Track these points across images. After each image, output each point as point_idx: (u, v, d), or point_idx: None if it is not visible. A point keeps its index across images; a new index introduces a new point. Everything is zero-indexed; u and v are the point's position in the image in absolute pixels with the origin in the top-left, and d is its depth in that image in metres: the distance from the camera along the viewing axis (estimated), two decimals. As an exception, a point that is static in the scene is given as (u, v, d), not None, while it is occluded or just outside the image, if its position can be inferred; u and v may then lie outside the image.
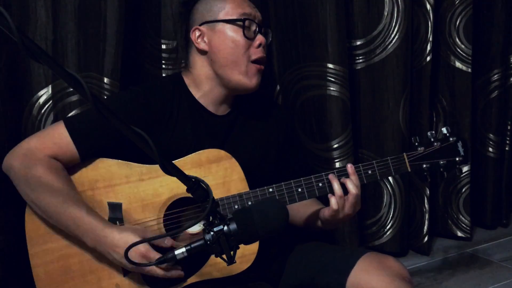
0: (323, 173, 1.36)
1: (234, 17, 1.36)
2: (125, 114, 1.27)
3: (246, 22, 1.36)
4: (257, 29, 1.38)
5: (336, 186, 1.32)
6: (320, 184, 1.35)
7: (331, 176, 1.34)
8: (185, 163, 1.30)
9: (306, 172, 1.40)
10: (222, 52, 1.37)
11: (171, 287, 1.26)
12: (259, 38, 1.38)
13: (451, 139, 1.42)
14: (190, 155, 1.31)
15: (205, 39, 1.38)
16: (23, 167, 1.23)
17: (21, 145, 1.27)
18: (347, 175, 1.35)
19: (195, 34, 1.39)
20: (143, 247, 1.17)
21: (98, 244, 1.19)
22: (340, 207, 1.32)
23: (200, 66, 1.41)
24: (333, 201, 1.31)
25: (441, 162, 1.41)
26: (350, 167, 1.35)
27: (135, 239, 1.16)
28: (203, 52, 1.40)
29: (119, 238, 1.17)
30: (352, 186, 1.32)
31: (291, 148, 1.56)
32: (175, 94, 1.38)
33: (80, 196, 1.25)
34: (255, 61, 1.37)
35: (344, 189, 1.33)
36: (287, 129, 1.56)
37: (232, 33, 1.36)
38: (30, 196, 1.23)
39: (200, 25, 1.39)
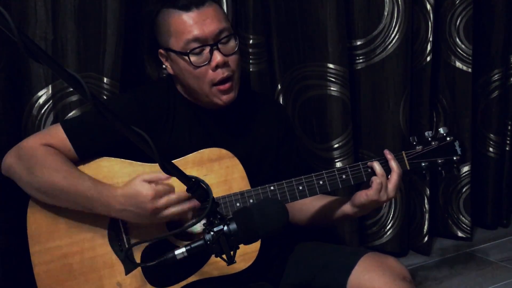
0: (323, 171, 1.36)
1: (179, 49, 1.29)
2: (124, 115, 1.27)
3: (192, 51, 1.28)
4: (211, 50, 1.28)
5: (377, 166, 1.34)
6: (321, 182, 1.35)
7: (371, 161, 1.36)
8: (186, 162, 1.30)
9: (305, 171, 1.40)
10: (184, 81, 1.35)
11: (172, 284, 1.27)
12: (215, 59, 1.28)
13: (448, 138, 1.44)
14: (191, 154, 1.32)
15: (168, 63, 1.36)
16: (22, 163, 1.24)
17: (18, 145, 1.29)
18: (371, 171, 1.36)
19: (162, 57, 1.37)
20: (150, 190, 1.17)
21: (110, 208, 1.20)
22: (383, 187, 1.32)
23: (177, 81, 1.40)
24: (377, 180, 1.32)
25: (439, 161, 1.42)
26: (388, 152, 1.37)
27: (141, 184, 1.18)
28: (174, 76, 1.38)
29: (124, 206, 1.19)
30: (395, 164, 1.34)
31: (292, 147, 1.56)
32: (170, 95, 1.39)
33: (81, 171, 1.25)
34: (217, 83, 1.31)
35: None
36: (287, 127, 1.56)
37: (183, 65, 1.31)
38: (33, 184, 1.23)
39: (162, 48, 1.36)
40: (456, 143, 1.44)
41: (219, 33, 1.30)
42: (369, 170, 1.37)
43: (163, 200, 1.18)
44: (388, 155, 1.37)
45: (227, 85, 1.32)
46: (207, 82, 1.31)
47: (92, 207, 1.22)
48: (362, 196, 1.34)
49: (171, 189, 1.20)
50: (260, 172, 1.42)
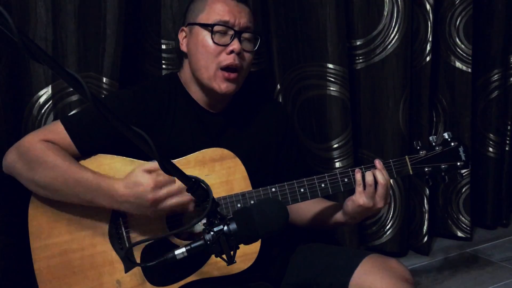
0: (325, 174, 1.36)
1: (208, 22, 1.34)
2: (122, 114, 1.28)
3: (217, 27, 1.33)
4: (234, 35, 1.34)
5: (359, 177, 1.33)
6: (323, 185, 1.35)
7: (356, 170, 1.35)
8: (188, 162, 1.30)
9: (305, 172, 1.40)
10: (194, 56, 1.37)
11: (171, 284, 1.27)
12: (233, 44, 1.33)
13: (452, 144, 1.43)
14: (193, 153, 1.32)
15: (186, 40, 1.40)
16: (22, 159, 1.25)
17: (18, 142, 1.29)
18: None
19: (181, 35, 1.41)
20: (150, 180, 1.17)
21: (111, 199, 1.21)
22: (369, 196, 1.32)
23: (186, 67, 1.42)
24: (358, 189, 1.32)
25: (443, 166, 1.42)
26: (378, 163, 1.36)
27: (141, 174, 1.18)
28: (185, 54, 1.41)
29: (127, 197, 1.19)
30: (381, 176, 1.33)
31: (292, 147, 1.56)
32: (171, 93, 1.39)
33: (81, 165, 1.25)
34: (225, 68, 1.34)
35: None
36: (287, 127, 1.56)
37: (203, 37, 1.34)
38: (34, 179, 1.23)
39: (186, 26, 1.40)
40: (461, 149, 1.43)
41: (246, 28, 1.37)
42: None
43: (164, 190, 1.18)
44: (378, 164, 1.36)
45: (232, 75, 1.35)
46: (216, 62, 1.34)
47: (92, 198, 1.22)
48: (349, 202, 1.35)
49: (171, 180, 1.20)
50: (261, 172, 1.42)
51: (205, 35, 1.34)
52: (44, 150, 1.23)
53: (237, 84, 1.37)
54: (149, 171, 1.19)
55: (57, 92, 1.53)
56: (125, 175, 1.26)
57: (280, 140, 1.52)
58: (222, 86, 1.35)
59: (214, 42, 1.33)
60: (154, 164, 1.19)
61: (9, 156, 1.28)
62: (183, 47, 1.40)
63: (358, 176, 1.33)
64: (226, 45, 1.33)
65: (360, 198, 1.32)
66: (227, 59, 1.33)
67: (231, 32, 1.34)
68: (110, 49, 1.55)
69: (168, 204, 1.19)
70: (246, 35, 1.37)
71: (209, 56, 1.34)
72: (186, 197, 1.19)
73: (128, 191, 1.19)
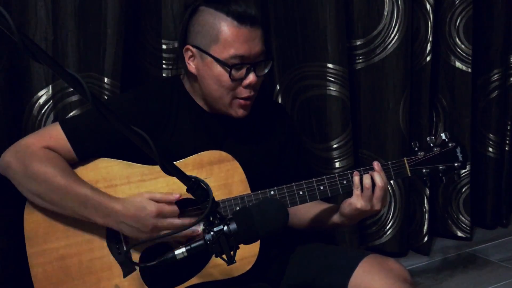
0: (324, 177, 1.36)
1: (223, 58, 1.28)
2: (124, 116, 1.27)
3: (235, 66, 1.29)
4: (250, 69, 1.31)
5: (357, 180, 1.32)
6: (322, 188, 1.35)
7: (355, 172, 1.34)
8: (186, 164, 1.30)
9: (308, 173, 1.39)
10: (207, 86, 1.34)
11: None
12: (249, 78, 1.31)
13: (450, 144, 1.43)
14: (191, 156, 1.31)
15: (195, 63, 1.34)
16: (20, 162, 1.23)
17: (17, 143, 1.28)
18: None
19: (187, 54, 1.35)
20: (155, 207, 1.19)
21: (108, 220, 1.21)
22: (367, 199, 1.31)
23: (192, 81, 1.39)
24: (356, 192, 1.32)
25: (440, 167, 1.42)
26: (377, 165, 1.35)
27: (146, 200, 1.20)
28: (192, 74, 1.37)
29: (124, 218, 1.21)
30: (379, 179, 1.32)
31: (294, 148, 1.55)
32: (174, 96, 1.38)
33: (80, 179, 1.25)
34: (240, 98, 1.33)
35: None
36: (289, 129, 1.55)
37: (219, 72, 1.30)
38: (31, 189, 1.23)
39: (192, 45, 1.34)
40: (458, 149, 1.43)
41: (260, 55, 1.33)
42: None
43: (167, 221, 1.21)
44: (376, 166, 1.35)
45: (248, 102, 1.35)
46: (232, 94, 1.32)
47: (89, 215, 1.22)
48: (346, 204, 1.34)
49: (175, 212, 1.23)
50: (261, 176, 1.41)
51: (221, 71, 1.30)
52: (43, 161, 1.22)
53: (251, 106, 1.38)
54: (154, 199, 1.21)
55: (57, 92, 1.53)
56: (122, 178, 1.26)
57: (283, 142, 1.51)
58: (239, 112, 1.35)
59: (231, 79, 1.30)
60: (161, 194, 1.22)
61: (6, 157, 1.26)
62: (191, 68, 1.35)
63: (356, 179, 1.33)
64: (242, 79, 1.31)
65: (357, 201, 1.31)
66: (242, 92, 1.32)
67: (246, 65, 1.31)
68: (111, 49, 1.55)
69: (165, 234, 1.19)
70: (260, 64, 1.34)
71: (225, 90, 1.32)
72: (184, 233, 1.21)
73: (129, 213, 1.20)
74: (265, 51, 1.36)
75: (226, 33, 1.28)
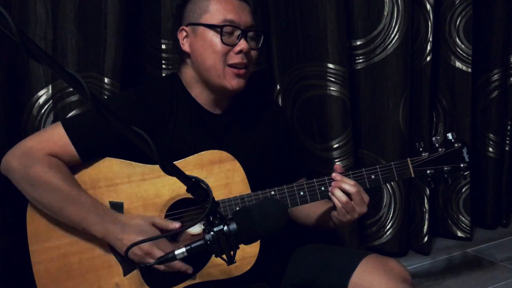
0: (325, 177, 1.35)
1: (214, 23, 1.34)
2: (124, 115, 1.27)
3: (226, 28, 1.34)
4: (241, 35, 1.35)
5: (339, 194, 1.31)
6: (323, 188, 1.35)
7: (329, 193, 1.33)
8: (187, 164, 1.30)
9: (307, 173, 1.39)
10: (200, 56, 1.36)
11: (169, 287, 1.26)
12: (240, 44, 1.34)
13: (456, 145, 1.42)
14: (192, 156, 1.31)
15: (189, 40, 1.39)
16: (22, 167, 1.23)
17: (19, 145, 1.27)
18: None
19: (181, 35, 1.40)
20: (147, 245, 1.19)
21: (107, 235, 1.23)
22: (349, 211, 1.31)
23: (187, 68, 1.42)
24: (338, 205, 1.31)
25: (446, 168, 1.40)
26: (335, 175, 1.33)
27: (148, 225, 1.23)
28: (187, 54, 1.40)
29: (122, 236, 1.21)
30: (348, 187, 1.31)
31: (291, 147, 1.55)
32: (173, 94, 1.39)
33: (82, 190, 1.26)
34: (232, 66, 1.35)
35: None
36: (288, 129, 1.55)
37: (211, 38, 1.35)
38: (32, 195, 1.24)
39: (186, 25, 1.39)
40: (464, 150, 1.41)
41: (250, 26, 1.38)
42: (372, 176, 1.36)
43: (160, 254, 1.18)
44: (337, 177, 1.32)
45: (242, 71, 1.37)
46: (224, 60, 1.35)
47: (88, 227, 1.23)
48: (334, 218, 1.35)
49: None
50: (261, 175, 1.41)
51: (213, 36, 1.34)
52: (46, 170, 1.22)
53: (246, 80, 1.39)
54: (155, 225, 1.24)
55: (57, 92, 1.53)
56: (123, 178, 1.27)
57: (280, 142, 1.52)
58: (233, 82, 1.36)
59: (223, 42, 1.33)
60: (164, 222, 1.24)
61: (12, 161, 1.25)
62: (185, 47, 1.40)
63: (334, 198, 1.32)
64: (234, 45, 1.34)
65: (343, 217, 1.32)
66: (235, 58, 1.35)
67: (237, 32, 1.35)
68: (111, 49, 1.55)
69: (152, 263, 1.15)
70: (251, 33, 1.38)
71: (217, 55, 1.34)
72: (172, 266, 1.22)
73: (128, 234, 1.21)
74: (256, 26, 1.42)
75: (215, 3, 1.36)
